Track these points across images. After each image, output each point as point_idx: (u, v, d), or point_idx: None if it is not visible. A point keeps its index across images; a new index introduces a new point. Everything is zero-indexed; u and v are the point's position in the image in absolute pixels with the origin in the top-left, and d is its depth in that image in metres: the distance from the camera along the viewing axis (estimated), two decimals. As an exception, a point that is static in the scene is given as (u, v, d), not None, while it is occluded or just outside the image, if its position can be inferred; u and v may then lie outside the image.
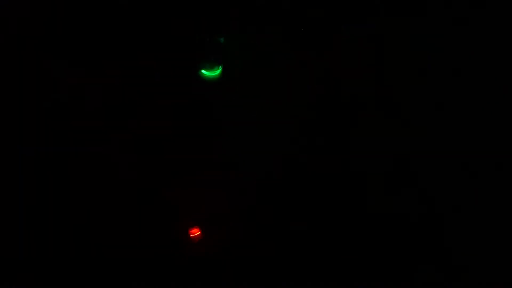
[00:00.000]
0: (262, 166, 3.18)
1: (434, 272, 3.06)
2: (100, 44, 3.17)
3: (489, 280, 2.99)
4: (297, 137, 3.20)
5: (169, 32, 3.20)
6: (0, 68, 3.13)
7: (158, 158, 3.18)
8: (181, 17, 3.19)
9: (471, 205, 3.08)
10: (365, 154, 3.18)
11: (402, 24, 3.17)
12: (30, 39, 3.14)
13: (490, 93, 3.11)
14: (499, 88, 3.11)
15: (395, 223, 3.12)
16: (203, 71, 3.01)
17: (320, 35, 3.21)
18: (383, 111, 3.18)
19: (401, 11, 3.17)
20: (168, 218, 3.14)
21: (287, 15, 3.19)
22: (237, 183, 3.18)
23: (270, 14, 3.18)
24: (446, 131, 3.14)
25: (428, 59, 3.16)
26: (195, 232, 3.06)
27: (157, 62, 3.19)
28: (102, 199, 3.12)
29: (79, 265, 3.05)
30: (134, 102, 3.20)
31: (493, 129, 3.09)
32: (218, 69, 3.03)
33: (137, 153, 3.18)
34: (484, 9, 3.10)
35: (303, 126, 3.21)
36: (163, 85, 3.20)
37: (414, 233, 3.11)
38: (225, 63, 3.05)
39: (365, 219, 3.14)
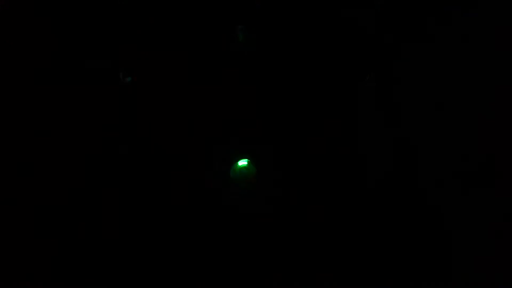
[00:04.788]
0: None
1: (435, 273, 3.06)
2: (99, 43, 3.18)
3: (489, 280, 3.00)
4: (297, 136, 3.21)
5: (170, 31, 3.21)
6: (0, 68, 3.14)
7: (158, 157, 3.19)
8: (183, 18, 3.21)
9: (472, 205, 3.08)
10: (365, 153, 3.18)
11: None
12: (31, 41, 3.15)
13: (490, 93, 3.11)
14: (499, 88, 3.11)
15: (395, 223, 3.12)
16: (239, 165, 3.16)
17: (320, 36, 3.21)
18: (383, 111, 3.19)
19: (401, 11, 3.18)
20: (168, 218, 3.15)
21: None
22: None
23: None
24: (446, 131, 3.14)
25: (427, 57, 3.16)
26: None
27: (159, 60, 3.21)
28: (101, 198, 3.13)
29: (79, 265, 3.06)
30: (134, 101, 3.21)
31: (493, 129, 3.09)
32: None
33: (136, 152, 3.19)
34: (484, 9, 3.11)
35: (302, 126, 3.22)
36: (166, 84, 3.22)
37: (414, 234, 3.11)
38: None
39: (365, 219, 3.14)
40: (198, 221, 3.14)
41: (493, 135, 3.08)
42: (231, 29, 3.22)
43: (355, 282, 3.06)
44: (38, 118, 3.15)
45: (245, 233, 3.15)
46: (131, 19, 3.19)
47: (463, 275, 3.01)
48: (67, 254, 3.06)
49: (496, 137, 3.07)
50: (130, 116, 3.20)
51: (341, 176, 3.17)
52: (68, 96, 3.17)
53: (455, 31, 3.14)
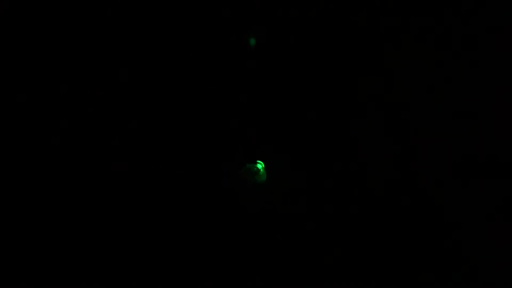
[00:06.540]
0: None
1: (435, 273, 3.06)
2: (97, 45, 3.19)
3: (490, 280, 2.99)
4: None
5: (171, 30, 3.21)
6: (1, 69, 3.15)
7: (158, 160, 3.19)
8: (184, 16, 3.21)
9: (472, 205, 3.08)
10: (365, 154, 3.18)
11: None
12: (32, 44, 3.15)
13: (491, 93, 3.11)
14: (499, 88, 3.11)
15: (394, 223, 3.12)
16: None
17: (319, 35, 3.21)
18: (383, 111, 3.19)
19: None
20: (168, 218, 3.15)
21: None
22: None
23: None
24: (447, 131, 3.14)
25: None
26: None
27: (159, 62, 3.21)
28: (102, 198, 3.14)
29: (79, 265, 3.06)
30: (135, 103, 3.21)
31: (493, 129, 3.09)
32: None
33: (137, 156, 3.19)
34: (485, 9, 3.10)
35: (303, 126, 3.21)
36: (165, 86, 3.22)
37: (414, 234, 3.11)
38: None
39: (365, 220, 3.14)
40: (198, 221, 3.15)
41: (494, 134, 3.08)
42: (231, 29, 3.22)
43: (355, 282, 3.05)
44: (38, 118, 3.15)
45: (245, 233, 3.15)
46: (131, 19, 3.20)
47: (463, 275, 3.01)
48: (67, 254, 3.07)
49: (497, 136, 3.07)
50: (130, 116, 3.20)
51: (341, 176, 3.17)
52: (67, 96, 3.17)
53: (455, 30, 3.14)
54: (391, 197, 3.13)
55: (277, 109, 3.20)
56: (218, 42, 3.20)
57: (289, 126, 3.19)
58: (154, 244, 3.10)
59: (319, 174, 3.17)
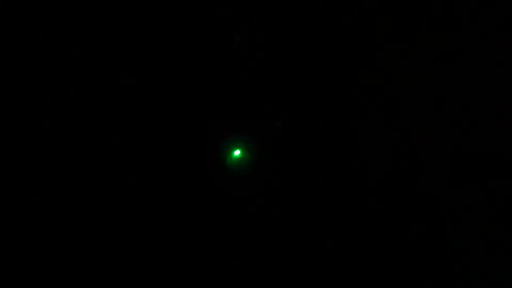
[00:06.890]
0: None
1: (435, 273, 3.06)
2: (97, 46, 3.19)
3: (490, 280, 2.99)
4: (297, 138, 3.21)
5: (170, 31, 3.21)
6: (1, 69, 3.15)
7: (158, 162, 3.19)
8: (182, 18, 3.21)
9: (472, 204, 3.08)
10: (365, 153, 3.18)
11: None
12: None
13: (491, 93, 3.11)
14: (499, 87, 3.11)
15: (395, 223, 3.12)
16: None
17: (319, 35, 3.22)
18: (383, 111, 3.19)
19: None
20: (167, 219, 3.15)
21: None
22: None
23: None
24: (447, 130, 3.14)
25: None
26: None
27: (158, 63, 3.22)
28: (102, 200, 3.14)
29: (79, 265, 3.06)
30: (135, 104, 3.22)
31: (493, 128, 3.09)
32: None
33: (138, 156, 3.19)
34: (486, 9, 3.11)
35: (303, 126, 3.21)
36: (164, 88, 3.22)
37: (414, 234, 3.11)
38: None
39: (364, 220, 3.14)
40: (197, 220, 3.15)
41: (493, 134, 3.08)
42: (231, 29, 3.23)
43: (355, 282, 3.05)
44: (38, 118, 3.15)
45: (243, 232, 3.15)
46: (131, 19, 3.20)
47: (463, 275, 3.01)
48: (67, 254, 3.07)
49: (497, 136, 3.07)
50: (130, 116, 3.20)
51: (341, 176, 3.17)
52: (67, 96, 3.17)
53: (455, 30, 3.14)
54: (391, 196, 3.13)
55: (277, 109, 3.21)
56: (218, 42, 3.21)
57: (289, 126, 3.20)
58: (153, 243, 3.11)
59: (319, 173, 3.17)
